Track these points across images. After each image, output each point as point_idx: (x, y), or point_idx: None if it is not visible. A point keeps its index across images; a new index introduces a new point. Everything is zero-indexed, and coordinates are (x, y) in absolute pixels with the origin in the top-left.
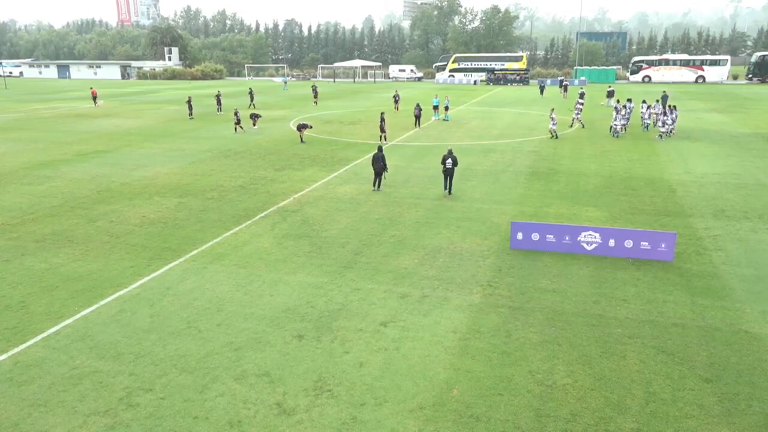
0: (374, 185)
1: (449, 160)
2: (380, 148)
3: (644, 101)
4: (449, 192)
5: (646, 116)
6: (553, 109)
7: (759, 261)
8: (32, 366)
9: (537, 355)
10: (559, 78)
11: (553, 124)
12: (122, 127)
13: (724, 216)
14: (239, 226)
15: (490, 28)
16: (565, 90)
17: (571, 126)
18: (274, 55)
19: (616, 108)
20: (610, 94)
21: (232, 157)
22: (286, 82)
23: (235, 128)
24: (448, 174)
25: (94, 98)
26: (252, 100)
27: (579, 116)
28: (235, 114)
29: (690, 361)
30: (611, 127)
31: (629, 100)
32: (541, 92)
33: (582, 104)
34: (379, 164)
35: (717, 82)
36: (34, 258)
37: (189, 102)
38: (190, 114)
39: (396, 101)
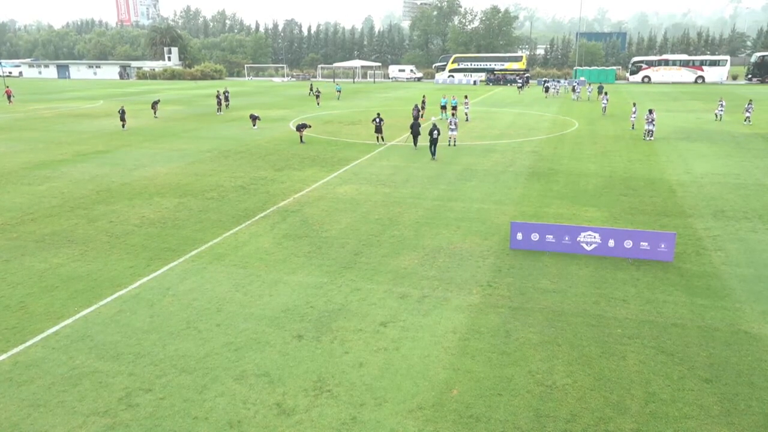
0: (414, 145)
1: (435, 132)
2: (416, 117)
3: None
4: (434, 156)
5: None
6: (466, 96)
7: (759, 261)
8: (32, 366)
9: (537, 355)
10: (526, 76)
11: (466, 108)
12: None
13: (724, 216)
14: (239, 226)
15: (490, 28)
16: (527, 82)
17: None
18: (273, 55)
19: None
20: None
21: (232, 157)
22: (339, 91)
23: (122, 125)
24: (433, 143)
25: (9, 97)
26: (221, 102)
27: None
28: (119, 111)
29: (689, 362)
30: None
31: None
32: (519, 89)
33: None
34: (416, 129)
35: (716, 83)
36: (33, 258)
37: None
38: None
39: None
